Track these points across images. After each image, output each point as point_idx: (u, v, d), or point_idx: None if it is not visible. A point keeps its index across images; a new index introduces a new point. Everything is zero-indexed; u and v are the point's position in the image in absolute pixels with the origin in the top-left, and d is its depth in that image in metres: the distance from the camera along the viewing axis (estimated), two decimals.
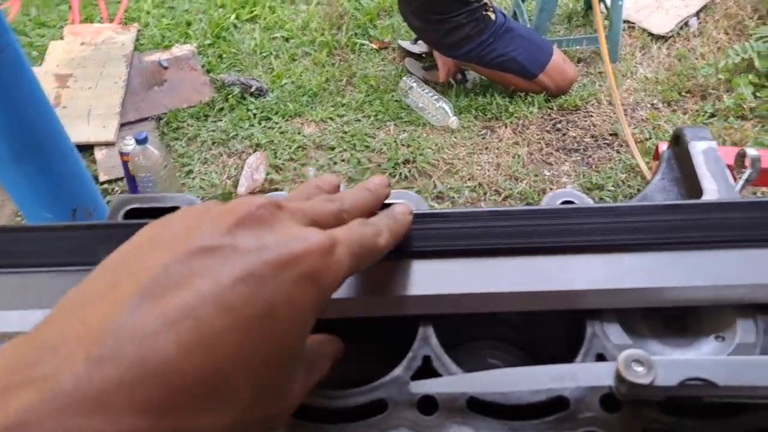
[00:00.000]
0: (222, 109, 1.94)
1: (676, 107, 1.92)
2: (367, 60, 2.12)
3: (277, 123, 1.89)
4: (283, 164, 1.77)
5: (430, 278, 0.33)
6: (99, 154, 1.82)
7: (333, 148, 1.81)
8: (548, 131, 1.87)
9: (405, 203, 0.34)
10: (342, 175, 1.74)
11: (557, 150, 1.82)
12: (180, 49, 2.13)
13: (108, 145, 1.83)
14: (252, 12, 2.30)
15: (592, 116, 1.90)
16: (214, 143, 1.84)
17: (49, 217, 1.01)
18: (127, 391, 0.18)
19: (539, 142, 1.83)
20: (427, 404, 0.30)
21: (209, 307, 0.20)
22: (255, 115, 1.91)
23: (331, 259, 0.24)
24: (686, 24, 2.19)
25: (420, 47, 2.08)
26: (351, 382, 0.31)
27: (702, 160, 0.37)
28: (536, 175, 1.74)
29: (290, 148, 1.81)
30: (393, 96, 1.96)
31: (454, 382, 0.31)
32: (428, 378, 0.30)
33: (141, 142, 1.50)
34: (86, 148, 1.83)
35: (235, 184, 1.73)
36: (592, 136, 1.85)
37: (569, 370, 0.30)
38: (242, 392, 0.21)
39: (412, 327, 0.33)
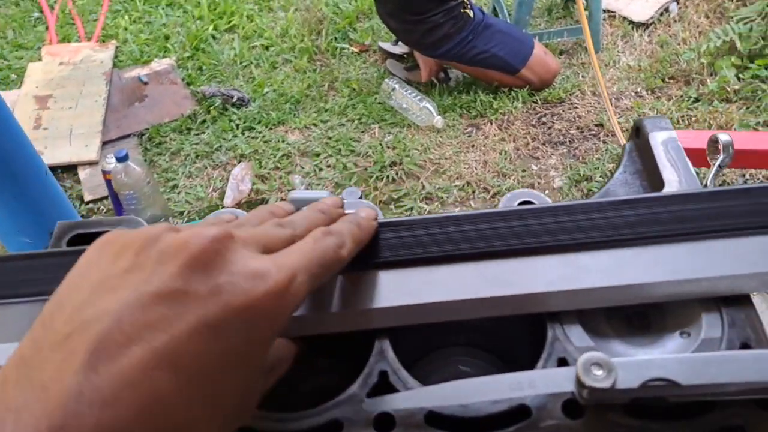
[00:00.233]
0: (204, 121, 1.92)
1: (660, 94, 1.91)
2: (348, 64, 2.11)
3: (260, 132, 1.88)
4: (268, 173, 1.76)
5: (387, 290, 0.31)
6: (83, 173, 1.80)
7: (318, 155, 1.80)
8: (534, 125, 1.86)
9: (371, 208, 0.33)
10: (328, 181, 1.73)
11: (543, 144, 1.81)
12: (159, 64, 2.12)
13: (91, 164, 1.81)
14: (230, 22, 2.29)
15: (576, 108, 1.90)
16: (198, 156, 1.83)
17: (27, 242, 0.99)
18: None
19: (525, 137, 1.82)
20: (384, 422, 0.29)
21: (165, 365, 0.20)
22: (238, 125, 1.90)
23: (288, 295, 0.23)
24: (666, 10, 2.19)
25: (401, 48, 2.07)
26: (315, 399, 0.30)
27: (662, 151, 0.36)
28: (524, 170, 1.73)
29: (275, 156, 1.79)
30: (376, 98, 1.95)
31: (411, 397, 0.29)
32: (385, 394, 0.29)
33: (121, 159, 1.49)
34: (70, 169, 1.82)
35: (222, 196, 1.71)
36: (578, 128, 1.84)
37: (527, 378, 0.29)
38: None
39: (370, 340, 0.32)
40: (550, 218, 0.32)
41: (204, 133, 1.90)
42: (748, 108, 1.77)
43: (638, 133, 0.38)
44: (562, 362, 0.30)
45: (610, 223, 0.31)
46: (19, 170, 0.95)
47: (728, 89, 1.82)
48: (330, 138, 1.84)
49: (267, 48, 2.19)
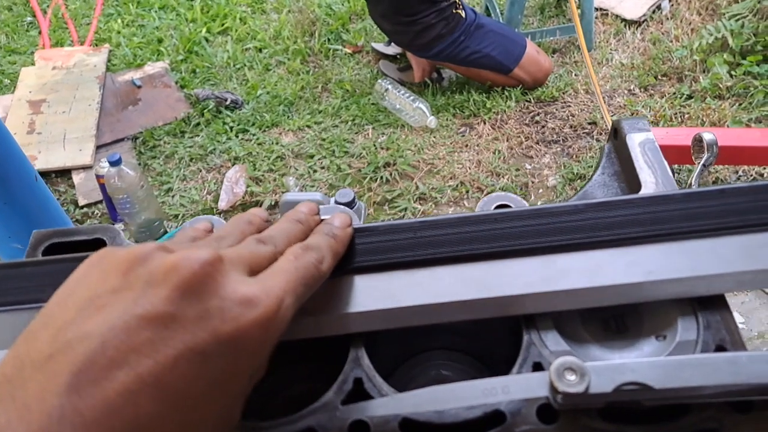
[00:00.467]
0: (198, 124, 1.92)
1: (653, 91, 1.91)
2: (341, 65, 2.11)
3: (254, 134, 1.88)
4: (262, 176, 1.76)
5: (363, 294, 0.31)
6: (77, 178, 1.80)
7: (312, 156, 1.80)
8: (527, 124, 1.86)
9: (345, 213, 0.33)
10: (322, 182, 1.73)
11: (537, 143, 1.81)
12: (152, 67, 2.12)
13: (85, 168, 1.81)
14: (223, 24, 2.29)
15: (570, 106, 1.90)
16: (192, 159, 1.83)
17: (18, 248, 0.99)
18: None
19: (519, 136, 1.82)
20: (359, 429, 0.29)
21: (150, 391, 0.19)
22: (232, 128, 1.89)
23: (276, 320, 0.23)
24: (658, 7, 2.19)
25: (394, 48, 2.07)
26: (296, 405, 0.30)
27: (639, 153, 0.36)
28: (518, 170, 1.73)
29: (269, 159, 1.79)
30: (369, 99, 1.95)
31: (386, 404, 0.29)
32: (360, 401, 0.29)
33: (114, 163, 1.48)
34: (64, 173, 1.82)
35: (216, 199, 1.71)
36: (571, 127, 1.84)
37: (501, 383, 0.29)
38: None
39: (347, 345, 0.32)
40: (526, 221, 0.32)
41: (198, 136, 1.89)
42: (740, 105, 1.78)
43: (616, 135, 0.38)
44: (538, 367, 0.30)
45: (586, 225, 0.31)
46: (8, 176, 0.95)
47: (721, 86, 1.82)
48: (324, 139, 1.84)
49: (260, 50, 2.19)
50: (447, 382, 0.29)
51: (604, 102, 1.86)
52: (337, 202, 1.69)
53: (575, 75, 1.99)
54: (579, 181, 1.69)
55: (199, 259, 0.22)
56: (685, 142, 1.41)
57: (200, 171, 1.80)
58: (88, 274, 0.23)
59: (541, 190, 1.69)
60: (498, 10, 2.13)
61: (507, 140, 1.81)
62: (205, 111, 1.93)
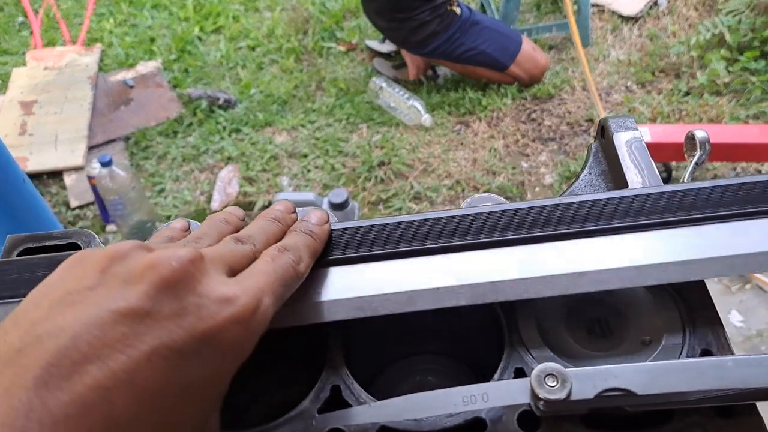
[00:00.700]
0: (191, 124, 1.91)
1: (650, 88, 1.90)
2: (335, 63, 2.09)
3: (247, 134, 1.86)
4: (256, 176, 1.74)
5: (339, 283, 0.31)
6: (68, 179, 1.79)
7: (306, 156, 1.79)
8: (523, 122, 1.85)
9: (321, 210, 0.32)
10: (316, 182, 1.72)
11: (533, 140, 1.79)
12: (145, 67, 2.10)
13: (77, 169, 1.79)
14: (216, 23, 2.27)
15: (566, 103, 1.88)
16: (184, 160, 1.81)
17: None
18: None
19: (515, 134, 1.80)
20: None
21: (123, 388, 0.19)
22: (225, 127, 1.88)
23: (255, 320, 0.23)
24: (656, 3, 2.17)
25: (388, 46, 2.05)
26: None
27: (626, 152, 0.34)
28: (514, 168, 1.71)
29: (262, 158, 1.78)
30: (364, 98, 1.94)
31: (363, 412, 0.29)
32: (337, 409, 0.29)
33: (106, 164, 1.47)
34: (56, 174, 1.80)
35: (209, 200, 1.70)
36: (568, 124, 1.83)
37: (481, 390, 0.28)
38: None
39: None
40: (505, 217, 0.31)
41: (191, 136, 1.88)
42: (738, 101, 1.76)
43: (603, 133, 0.37)
44: (520, 373, 0.29)
45: (566, 217, 0.30)
46: None
47: (718, 82, 1.80)
48: (317, 139, 1.83)
49: (253, 48, 2.17)
50: (432, 388, 0.28)
51: (602, 99, 1.84)
52: (330, 203, 1.68)
53: (572, 71, 1.98)
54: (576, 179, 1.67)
55: (179, 257, 0.22)
56: (682, 139, 1.40)
57: (193, 171, 1.78)
58: (64, 274, 0.22)
59: (537, 189, 1.67)
60: (493, 7, 2.12)
61: (503, 138, 1.79)
62: (198, 111, 1.92)
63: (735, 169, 1.64)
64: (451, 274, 0.30)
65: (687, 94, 1.83)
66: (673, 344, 0.29)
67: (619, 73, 1.96)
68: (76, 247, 0.37)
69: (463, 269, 0.30)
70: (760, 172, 1.63)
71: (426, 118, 1.82)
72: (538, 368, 0.26)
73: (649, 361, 0.28)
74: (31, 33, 2.32)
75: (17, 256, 0.37)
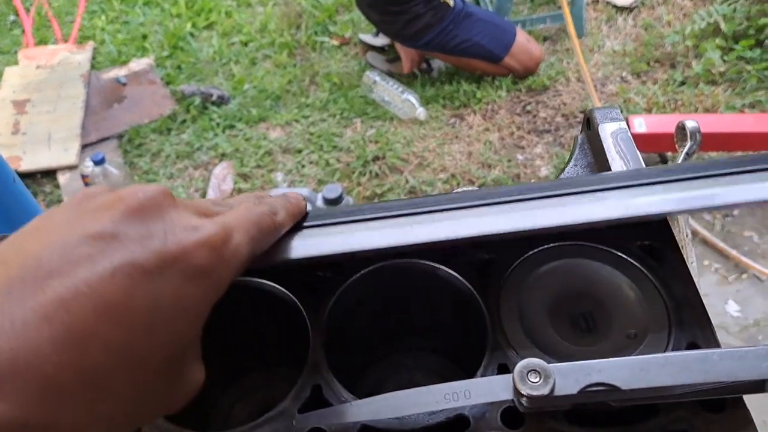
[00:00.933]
0: (184, 121, 1.90)
1: (645, 78, 1.89)
2: (329, 57, 2.08)
3: (241, 130, 1.85)
4: (250, 172, 1.73)
5: (322, 235, 0.31)
6: (62, 178, 1.78)
7: (300, 151, 1.78)
8: (518, 114, 1.84)
9: (295, 193, 0.33)
10: (311, 177, 1.71)
11: (529, 132, 1.78)
12: (137, 64, 2.09)
13: (70, 168, 1.78)
14: (208, 19, 2.26)
15: (561, 95, 1.87)
16: (178, 157, 1.80)
17: None
18: None
19: (510, 126, 1.79)
20: None
21: (84, 300, 0.19)
22: (218, 124, 1.87)
23: (226, 250, 0.23)
24: None
25: (382, 39, 2.04)
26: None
27: (611, 143, 0.34)
28: (509, 160, 1.71)
29: (256, 154, 1.77)
30: (358, 92, 1.92)
31: (344, 411, 0.28)
32: (318, 409, 0.28)
33: (99, 163, 1.46)
34: (49, 173, 1.79)
35: (203, 197, 1.69)
36: (563, 116, 1.82)
37: (463, 387, 0.27)
38: (123, 386, 0.20)
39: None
40: (483, 193, 0.31)
41: (184, 133, 1.87)
42: (733, 90, 1.75)
43: (589, 125, 0.36)
44: (503, 369, 0.29)
45: (545, 186, 0.30)
46: None
47: (713, 71, 1.80)
48: (312, 134, 1.82)
49: (246, 44, 2.16)
50: (418, 385, 0.28)
51: (597, 90, 1.83)
52: (324, 198, 1.66)
53: (567, 63, 1.97)
54: None
55: (148, 190, 0.23)
56: None
57: (187, 168, 1.77)
58: (40, 221, 0.23)
59: (533, 181, 1.67)
60: None
61: (498, 131, 1.78)
62: (191, 107, 1.91)
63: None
64: (435, 225, 0.30)
65: (682, 83, 1.82)
66: (659, 338, 0.28)
67: (614, 64, 1.95)
68: None
69: (442, 220, 0.30)
70: None
71: (420, 112, 1.81)
72: (521, 364, 0.25)
73: (634, 356, 0.28)
74: (23, 31, 2.30)
75: None
